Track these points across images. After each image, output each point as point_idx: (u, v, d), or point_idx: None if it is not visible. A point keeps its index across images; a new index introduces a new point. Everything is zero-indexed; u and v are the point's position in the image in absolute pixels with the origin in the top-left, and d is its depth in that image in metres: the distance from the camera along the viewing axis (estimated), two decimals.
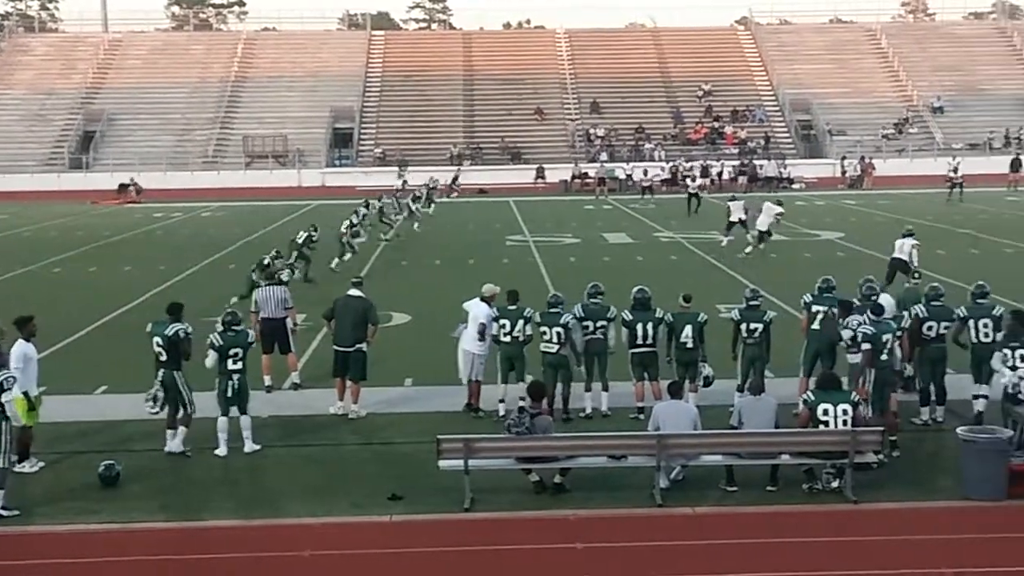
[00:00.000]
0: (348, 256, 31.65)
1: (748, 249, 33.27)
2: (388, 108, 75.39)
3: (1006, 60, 79.28)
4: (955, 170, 51.57)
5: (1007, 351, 14.01)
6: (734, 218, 35.43)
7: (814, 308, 16.25)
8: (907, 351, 14.93)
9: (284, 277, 21.81)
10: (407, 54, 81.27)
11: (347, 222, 32.81)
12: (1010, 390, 13.73)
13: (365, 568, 11.32)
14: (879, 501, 12.66)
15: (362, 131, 73.31)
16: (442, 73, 77.98)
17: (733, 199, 37.26)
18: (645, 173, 58.25)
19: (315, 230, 30.07)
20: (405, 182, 51.00)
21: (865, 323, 14.58)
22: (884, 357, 14.26)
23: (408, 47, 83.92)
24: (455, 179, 60.65)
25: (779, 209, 34.34)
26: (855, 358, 14.91)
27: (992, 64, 78.32)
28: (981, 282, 16.19)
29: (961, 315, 15.59)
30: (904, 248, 25.57)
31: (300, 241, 29.29)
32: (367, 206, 37.07)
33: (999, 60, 79.13)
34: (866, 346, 14.23)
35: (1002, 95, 75.09)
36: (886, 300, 16.16)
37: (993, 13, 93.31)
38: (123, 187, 60.72)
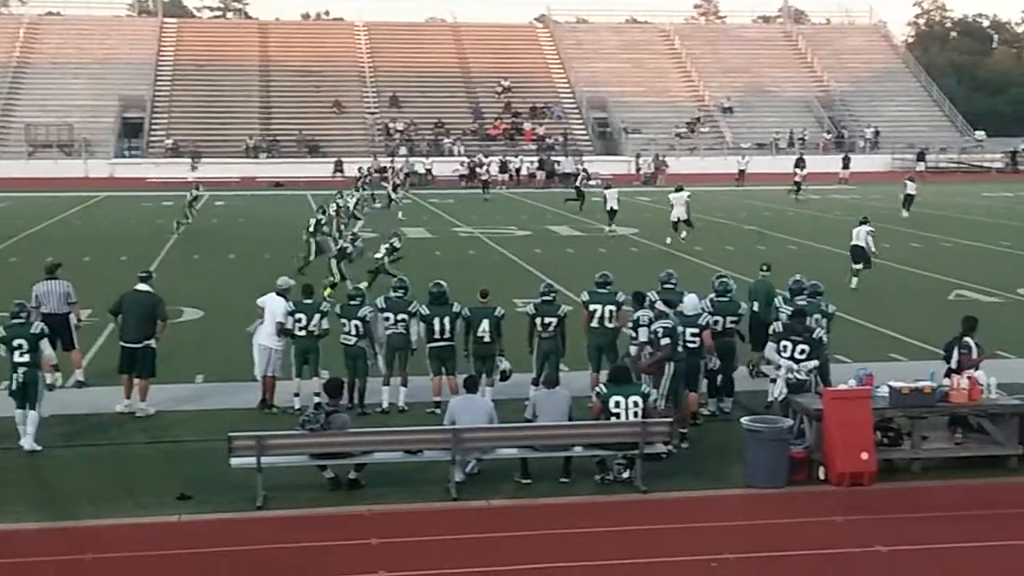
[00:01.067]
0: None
1: (668, 240, 34.47)
2: (181, 98, 73.49)
3: (791, 63, 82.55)
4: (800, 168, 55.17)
5: (787, 343, 14.54)
6: (610, 207, 36.46)
7: (591, 306, 16.50)
8: (709, 344, 15.36)
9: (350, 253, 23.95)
10: (201, 43, 79.41)
11: (320, 217, 32.58)
12: (791, 380, 14.27)
13: (151, 570, 10.95)
14: (668, 490, 12.96)
15: (153, 121, 71.30)
16: (238, 63, 76.54)
17: (608, 187, 38.09)
18: (480, 166, 58.31)
19: (322, 212, 30.23)
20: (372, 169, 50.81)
21: (659, 317, 14.92)
22: (681, 350, 14.64)
23: (202, 36, 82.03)
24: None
25: (683, 195, 35.23)
26: (635, 348, 15.25)
27: (778, 67, 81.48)
28: (798, 277, 16.89)
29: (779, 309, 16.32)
30: (860, 235, 26.39)
31: (311, 229, 28.76)
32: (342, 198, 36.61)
33: (785, 63, 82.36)
34: (666, 340, 14.55)
35: (788, 97, 78.23)
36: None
37: (780, 17, 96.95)
38: None
